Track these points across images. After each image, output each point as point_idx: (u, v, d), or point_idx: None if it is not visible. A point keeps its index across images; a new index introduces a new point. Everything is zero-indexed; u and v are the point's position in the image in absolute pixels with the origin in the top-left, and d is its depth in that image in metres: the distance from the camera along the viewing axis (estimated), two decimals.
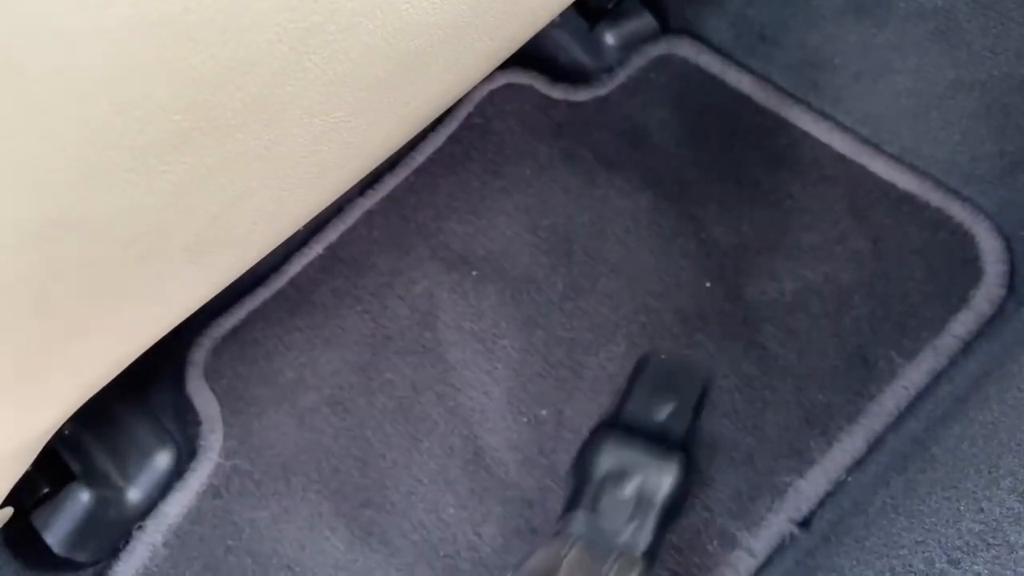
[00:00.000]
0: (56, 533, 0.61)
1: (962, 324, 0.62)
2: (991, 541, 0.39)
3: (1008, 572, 0.38)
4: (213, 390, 0.68)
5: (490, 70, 0.48)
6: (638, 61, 0.80)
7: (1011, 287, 0.63)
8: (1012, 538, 0.39)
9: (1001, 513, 0.40)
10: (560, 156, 0.75)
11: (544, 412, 0.64)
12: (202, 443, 0.65)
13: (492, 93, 0.80)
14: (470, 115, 0.79)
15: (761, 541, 0.57)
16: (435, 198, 0.75)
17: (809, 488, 0.59)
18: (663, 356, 0.64)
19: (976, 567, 0.39)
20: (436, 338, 0.68)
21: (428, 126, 0.58)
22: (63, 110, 0.29)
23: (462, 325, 0.68)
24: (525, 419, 0.64)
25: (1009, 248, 0.65)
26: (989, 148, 0.65)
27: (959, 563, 0.40)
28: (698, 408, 0.62)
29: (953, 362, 0.61)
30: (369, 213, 0.75)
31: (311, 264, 0.73)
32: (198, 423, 0.66)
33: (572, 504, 0.57)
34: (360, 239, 0.74)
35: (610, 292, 0.68)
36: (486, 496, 0.62)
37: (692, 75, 0.78)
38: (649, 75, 0.79)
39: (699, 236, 0.70)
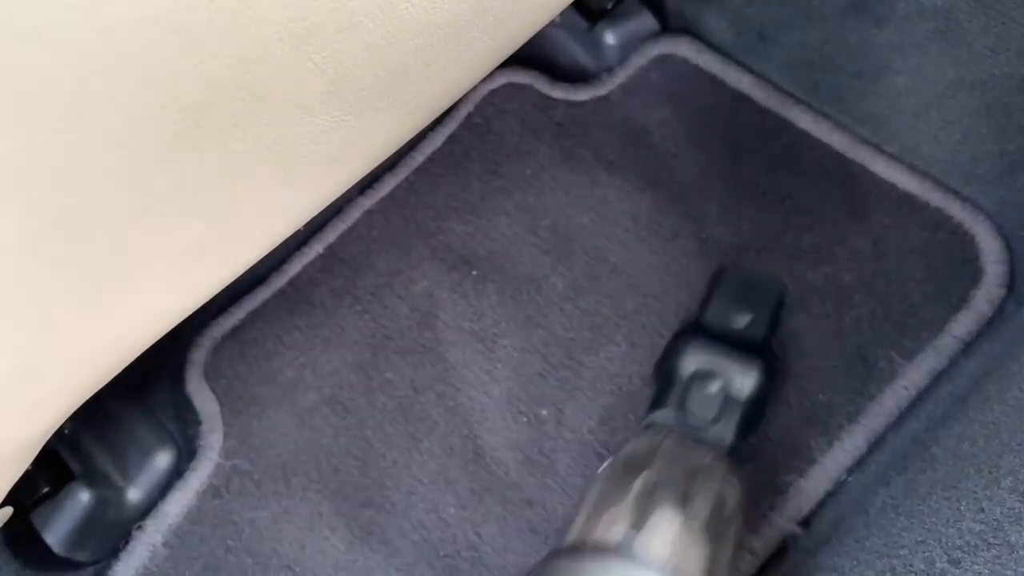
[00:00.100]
0: (56, 533, 0.61)
1: (962, 324, 0.62)
2: (992, 541, 0.39)
3: (1009, 572, 0.38)
4: (213, 390, 0.68)
5: (490, 70, 0.48)
6: (638, 61, 0.79)
7: (1011, 287, 0.63)
8: (1013, 538, 0.39)
9: (1002, 513, 0.40)
10: (560, 156, 0.75)
11: (544, 412, 0.64)
12: (202, 443, 0.65)
13: (492, 93, 0.80)
14: (470, 115, 0.79)
15: (761, 540, 0.57)
16: (435, 198, 0.75)
17: (809, 488, 0.59)
18: (741, 268, 0.67)
19: (977, 567, 0.39)
20: (436, 338, 0.68)
21: (428, 126, 0.58)
22: (62, 109, 0.29)
23: (462, 325, 0.68)
24: (525, 419, 0.64)
25: (1009, 248, 0.65)
26: (989, 148, 0.65)
27: (960, 563, 0.40)
28: (775, 319, 0.64)
29: (953, 362, 0.61)
30: (369, 213, 0.75)
31: (311, 264, 0.73)
32: (198, 423, 0.66)
33: (658, 402, 0.60)
34: (360, 239, 0.74)
35: (610, 292, 0.68)
36: (486, 496, 0.62)
37: (692, 75, 0.78)
38: (649, 75, 0.79)
39: (699, 236, 0.70)
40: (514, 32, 0.45)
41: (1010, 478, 0.41)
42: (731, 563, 0.50)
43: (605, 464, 0.54)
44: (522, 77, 0.80)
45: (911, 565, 0.42)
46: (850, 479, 0.59)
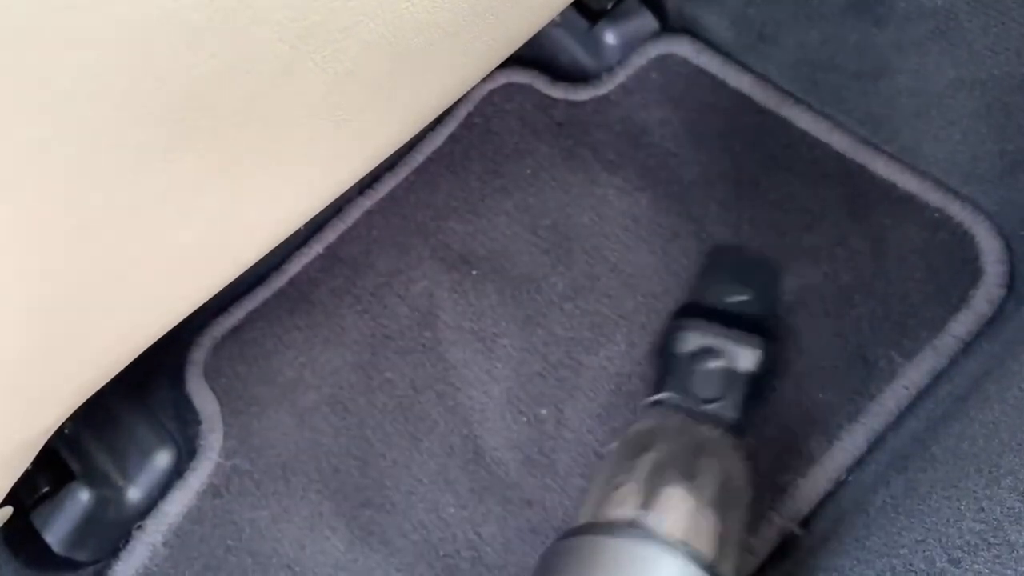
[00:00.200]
0: (56, 532, 0.61)
1: (962, 324, 0.62)
2: (992, 540, 0.39)
3: (1009, 571, 0.38)
4: (213, 390, 0.68)
5: (490, 69, 0.48)
6: (638, 60, 0.79)
7: (1011, 287, 0.63)
8: (1013, 537, 0.39)
9: (1002, 512, 0.40)
10: (560, 156, 0.75)
11: (544, 412, 0.64)
12: (202, 443, 0.65)
13: (492, 92, 0.79)
14: (470, 115, 0.79)
15: (761, 540, 0.57)
16: (435, 198, 0.75)
17: (809, 488, 0.59)
18: (734, 247, 0.68)
19: (977, 566, 0.39)
20: (436, 337, 0.68)
21: (428, 126, 0.58)
22: (62, 109, 0.29)
23: (462, 324, 0.68)
24: (525, 419, 0.64)
25: (1009, 248, 0.65)
26: (989, 148, 0.65)
27: (960, 562, 0.40)
28: (773, 295, 0.65)
29: (953, 362, 0.61)
30: (368, 213, 0.75)
31: (310, 264, 0.73)
32: (198, 423, 0.66)
33: (662, 380, 0.61)
34: (359, 239, 0.74)
35: (610, 292, 0.68)
36: (486, 496, 0.62)
37: (692, 75, 0.78)
38: (649, 75, 0.79)
39: (699, 236, 0.70)
40: (514, 32, 0.45)
41: (1010, 478, 0.41)
42: (742, 539, 0.51)
43: (612, 445, 0.55)
44: (522, 77, 0.80)
45: (911, 565, 0.42)
46: (850, 479, 0.59)
